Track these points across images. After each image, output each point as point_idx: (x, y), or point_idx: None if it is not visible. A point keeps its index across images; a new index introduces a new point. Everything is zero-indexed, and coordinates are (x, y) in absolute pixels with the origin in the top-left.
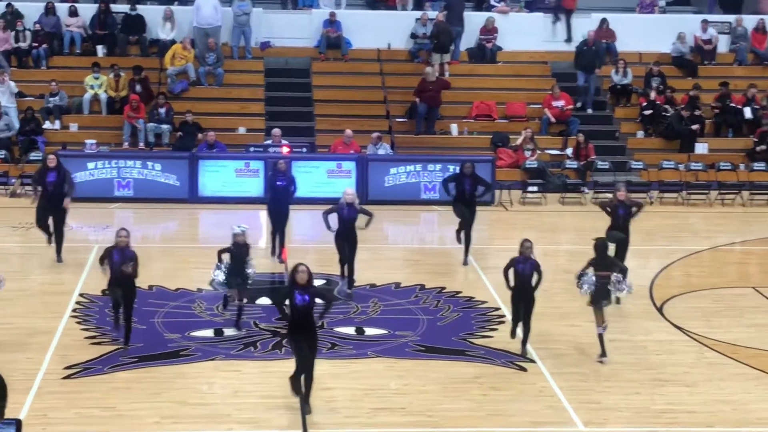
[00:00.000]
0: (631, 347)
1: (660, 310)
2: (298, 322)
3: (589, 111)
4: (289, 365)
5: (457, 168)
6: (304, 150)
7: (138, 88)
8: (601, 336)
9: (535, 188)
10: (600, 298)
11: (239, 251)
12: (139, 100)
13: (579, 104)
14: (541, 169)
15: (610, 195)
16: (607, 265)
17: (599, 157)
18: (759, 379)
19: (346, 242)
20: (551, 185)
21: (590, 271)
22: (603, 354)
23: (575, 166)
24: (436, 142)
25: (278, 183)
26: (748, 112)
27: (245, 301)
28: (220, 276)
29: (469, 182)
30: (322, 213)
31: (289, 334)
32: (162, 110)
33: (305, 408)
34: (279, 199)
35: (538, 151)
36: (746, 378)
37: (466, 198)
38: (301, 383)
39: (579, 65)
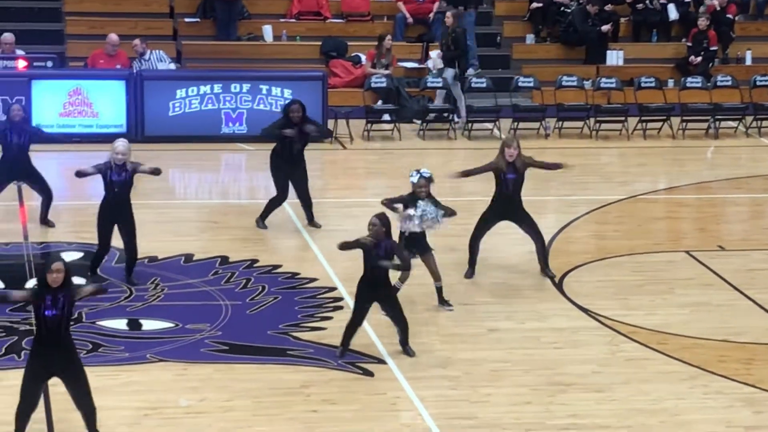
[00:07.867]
0: (518, 339)
1: (558, 285)
2: (46, 339)
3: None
4: None
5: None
6: (50, 64)
7: None
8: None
9: (385, 116)
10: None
11: None
12: None
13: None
14: (393, 90)
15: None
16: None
17: (475, 73)
18: (694, 379)
19: (118, 220)
20: (408, 112)
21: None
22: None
23: (440, 85)
24: (241, 51)
25: (12, 139)
26: (672, 12)
27: None
28: None
29: (297, 133)
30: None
31: (31, 352)
32: None
33: None
34: (14, 160)
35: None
36: (678, 378)
37: (292, 155)
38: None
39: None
